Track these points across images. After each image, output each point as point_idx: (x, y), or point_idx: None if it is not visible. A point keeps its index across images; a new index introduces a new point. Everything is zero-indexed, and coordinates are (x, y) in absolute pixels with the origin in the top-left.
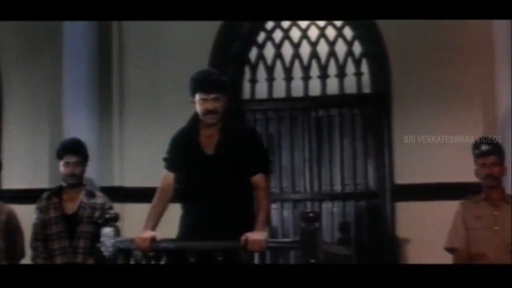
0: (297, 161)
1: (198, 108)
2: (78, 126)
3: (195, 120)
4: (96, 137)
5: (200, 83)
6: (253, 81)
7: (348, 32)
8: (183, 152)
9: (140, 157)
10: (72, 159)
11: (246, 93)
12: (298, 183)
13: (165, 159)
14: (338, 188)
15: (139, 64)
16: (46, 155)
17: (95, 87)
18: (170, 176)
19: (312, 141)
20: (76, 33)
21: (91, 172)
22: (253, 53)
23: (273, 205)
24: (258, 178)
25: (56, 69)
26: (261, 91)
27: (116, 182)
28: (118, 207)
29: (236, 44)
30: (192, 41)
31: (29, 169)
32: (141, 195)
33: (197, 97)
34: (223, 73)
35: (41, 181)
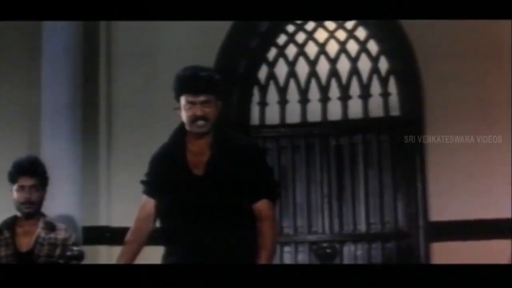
0: (314, 197)
1: (184, 115)
2: (59, 155)
3: (181, 132)
4: (79, 168)
5: (186, 82)
6: (263, 104)
7: (372, 46)
8: (166, 172)
9: (130, 193)
10: (28, 181)
11: (255, 118)
12: (315, 222)
13: (144, 182)
14: (362, 227)
15: (130, 86)
16: None
17: (79, 109)
18: (150, 203)
19: (332, 173)
20: (57, 45)
21: (73, 209)
22: (263, 72)
23: (286, 248)
24: (261, 206)
25: (34, 87)
26: (273, 115)
27: (102, 221)
28: (104, 250)
29: (243, 61)
30: (192, 58)
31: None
32: None
33: (183, 100)
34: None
35: None
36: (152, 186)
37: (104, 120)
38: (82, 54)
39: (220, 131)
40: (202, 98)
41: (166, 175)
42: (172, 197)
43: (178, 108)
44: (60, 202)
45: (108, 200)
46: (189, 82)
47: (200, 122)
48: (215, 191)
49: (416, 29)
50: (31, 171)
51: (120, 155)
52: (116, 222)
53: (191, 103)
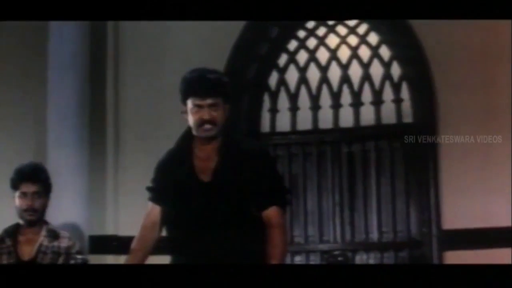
0: (325, 205)
1: (191, 118)
2: (65, 161)
3: (187, 137)
4: (86, 175)
5: (193, 85)
6: (274, 111)
7: (385, 51)
8: (172, 179)
9: (138, 201)
10: (30, 188)
11: (266, 125)
12: (327, 231)
13: (150, 189)
14: (374, 236)
15: (138, 90)
16: None
17: (86, 115)
18: (156, 210)
19: (344, 180)
20: (63, 49)
21: (79, 217)
22: (274, 78)
23: (297, 258)
24: (270, 213)
25: (40, 93)
26: (283, 122)
27: (109, 230)
28: (111, 260)
29: (253, 67)
30: (201, 64)
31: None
32: None
33: (190, 103)
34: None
35: None
36: (157, 192)
37: (111, 126)
38: (89, 58)
39: (228, 136)
40: (209, 101)
41: (172, 182)
42: (178, 204)
43: (185, 112)
44: (66, 210)
45: (115, 208)
46: (196, 84)
47: (207, 126)
48: (222, 198)
49: (429, 34)
50: (33, 178)
51: (127, 161)
52: (124, 231)
53: (198, 106)
